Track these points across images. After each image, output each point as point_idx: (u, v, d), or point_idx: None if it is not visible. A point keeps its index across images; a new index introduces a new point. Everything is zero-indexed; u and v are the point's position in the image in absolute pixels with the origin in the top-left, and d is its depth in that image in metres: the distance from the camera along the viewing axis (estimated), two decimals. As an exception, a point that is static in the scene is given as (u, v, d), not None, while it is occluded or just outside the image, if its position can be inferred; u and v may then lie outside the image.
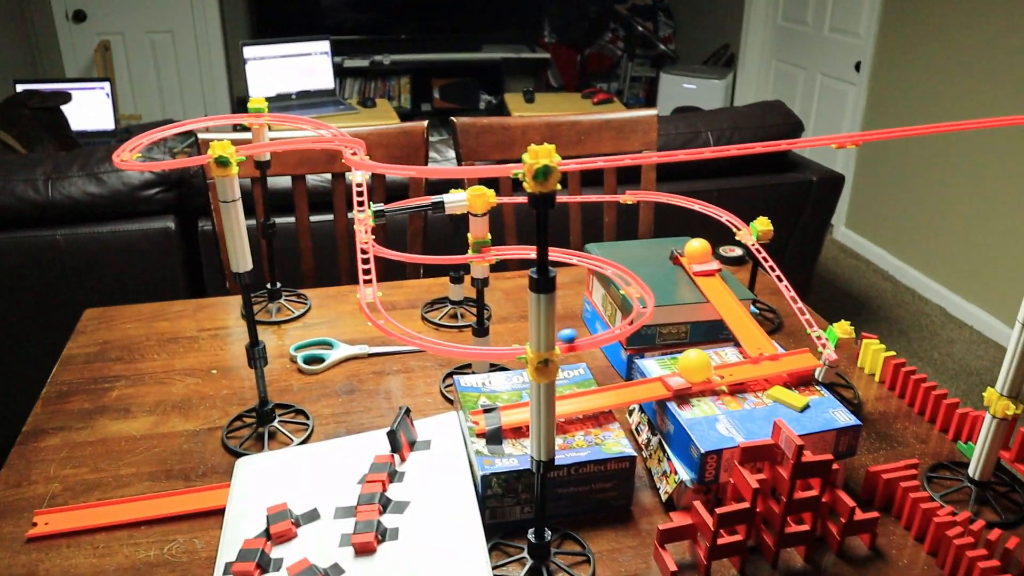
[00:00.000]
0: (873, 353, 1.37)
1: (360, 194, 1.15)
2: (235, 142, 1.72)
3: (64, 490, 1.09)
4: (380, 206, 1.14)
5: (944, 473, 1.15)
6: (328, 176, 2.15)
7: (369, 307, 0.96)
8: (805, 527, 0.97)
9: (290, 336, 1.46)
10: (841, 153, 4.13)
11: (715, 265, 1.35)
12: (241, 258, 1.07)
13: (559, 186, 0.75)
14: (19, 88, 3.85)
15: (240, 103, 5.01)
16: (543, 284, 0.78)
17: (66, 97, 3.36)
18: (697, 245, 1.36)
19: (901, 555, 1.01)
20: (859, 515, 0.99)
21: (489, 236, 1.19)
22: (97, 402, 1.28)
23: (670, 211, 2.33)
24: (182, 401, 1.28)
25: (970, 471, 1.11)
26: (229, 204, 1.04)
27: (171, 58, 4.88)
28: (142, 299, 2.16)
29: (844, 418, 1.05)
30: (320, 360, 1.36)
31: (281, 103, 3.90)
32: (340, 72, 5.01)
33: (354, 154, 1.06)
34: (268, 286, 1.54)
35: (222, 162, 1.01)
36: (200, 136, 1.70)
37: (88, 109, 3.88)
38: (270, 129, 1.47)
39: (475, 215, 1.17)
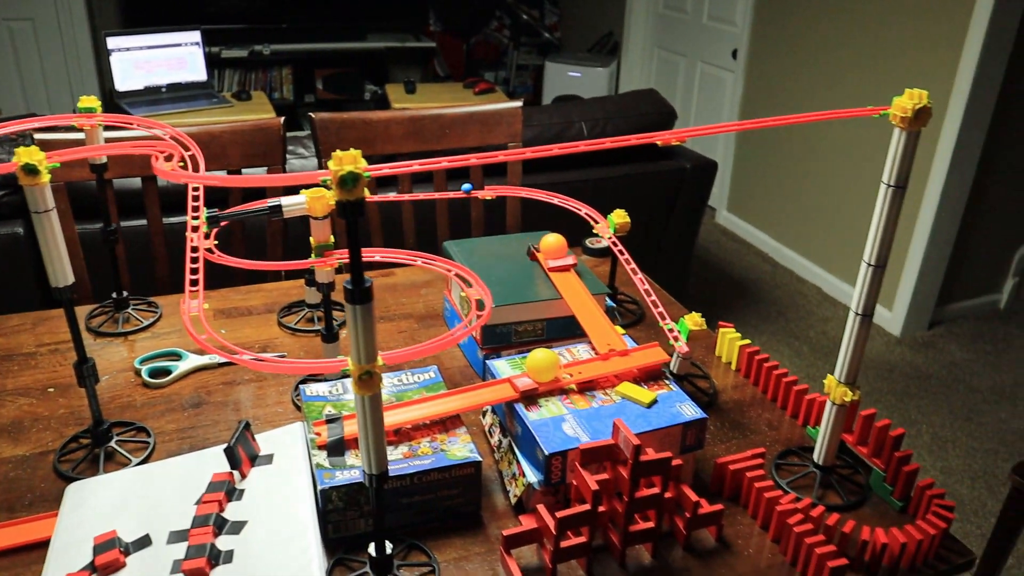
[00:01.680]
0: (729, 342, 1.39)
1: (196, 199, 1.10)
2: (70, 142, 1.63)
3: None
4: (215, 211, 1.09)
5: (793, 459, 1.18)
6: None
7: (193, 320, 0.92)
8: (650, 524, 0.97)
9: (139, 347, 1.39)
10: (721, 139, 4.22)
11: (570, 260, 1.34)
12: (60, 272, 1.00)
13: (366, 191, 0.72)
14: None
15: (109, 97, 4.79)
16: (358, 295, 0.75)
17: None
18: (552, 240, 1.35)
19: (748, 544, 1.02)
20: (704, 508, 1.00)
21: (332, 239, 1.15)
22: (-82, 429, 1.19)
23: (538, 204, 2.33)
24: (12, 424, 1.20)
25: (815, 456, 1.14)
26: (41, 215, 0.97)
27: (32, 48, 4.62)
28: (-9, 310, 2.03)
29: (691, 412, 1.06)
30: (167, 372, 1.30)
31: (150, 96, 3.74)
32: (218, 63, 4.84)
33: (169, 158, 1.00)
34: (114, 295, 1.46)
35: (30, 170, 0.94)
36: (37, 136, 1.60)
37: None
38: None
39: (315, 218, 1.13)
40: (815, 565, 0.96)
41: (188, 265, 0.99)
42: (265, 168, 1.72)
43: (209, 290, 1.59)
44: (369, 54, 5.11)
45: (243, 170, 1.78)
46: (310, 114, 1.76)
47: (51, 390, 1.28)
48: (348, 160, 0.70)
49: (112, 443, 1.14)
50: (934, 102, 2.96)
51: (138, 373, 1.31)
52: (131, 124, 1.29)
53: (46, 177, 0.95)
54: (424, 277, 1.64)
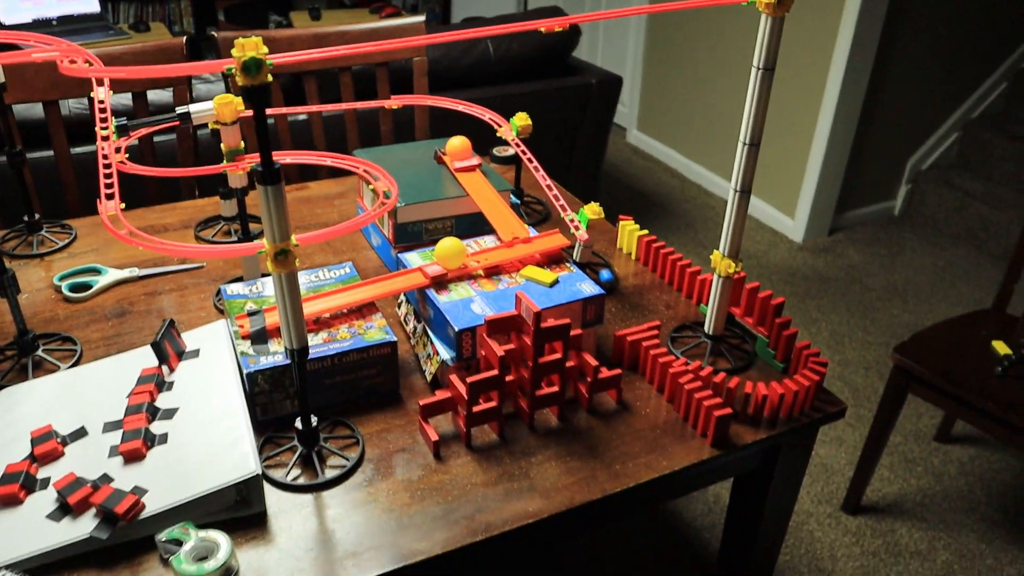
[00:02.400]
0: (629, 233, 1.48)
1: (103, 110, 1.12)
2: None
3: None
4: (123, 120, 1.11)
5: (687, 332, 1.28)
6: (84, 103, 2.04)
7: (112, 219, 0.96)
8: (555, 389, 1.06)
9: (56, 267, 1.41)
10: (629, 57, 4.29)
11: (475, 161, 1.41)
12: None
13: (271, 78, 0.77)
14: None
15: None
16: (268, 176, 0.80)
17: None
18: (458, 142, 1.41)
19: (645, 405, 1.13)
20: (604, 373, 1.09)
21: (243, 144, 1.19)
22: None
23: (447, 117, 2.37)
24: (-65, 341, 1.22)
25: (705, 327, 1.24)
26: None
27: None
28: None
29: (590, 289, 1.15)
30: (87, 287, 1.33)
31: (40, 31, 3.61)
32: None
33: (73, 62, 1.02)
34: (26, 218, 1.47)
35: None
36: (-68, 63, 1.58)
37: None
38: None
39: (224, 124, 1.16)
40: (703, 417, 1.07)
41: (101, 170, 1.02)
42: (172, 90, 1.72)
43: (125, 211, 1.60)
44: (272, -17, 4.98)
45: (147, 93, 1.78)
46: (212, 32, 1.76)
47: (-29, 309, 1.30)
48: (250, 47, 0.75)
49: (39, 352, 1.17)
50: (828, 16, 3.08)
51: (58, 290, 1.34)
52: (28, 41, 1.29)
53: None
54: (337, 189, 1.69)
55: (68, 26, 3.65)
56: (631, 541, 1.96)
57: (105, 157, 1.05)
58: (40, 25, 3.60)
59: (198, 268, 1.39)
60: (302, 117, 2.18)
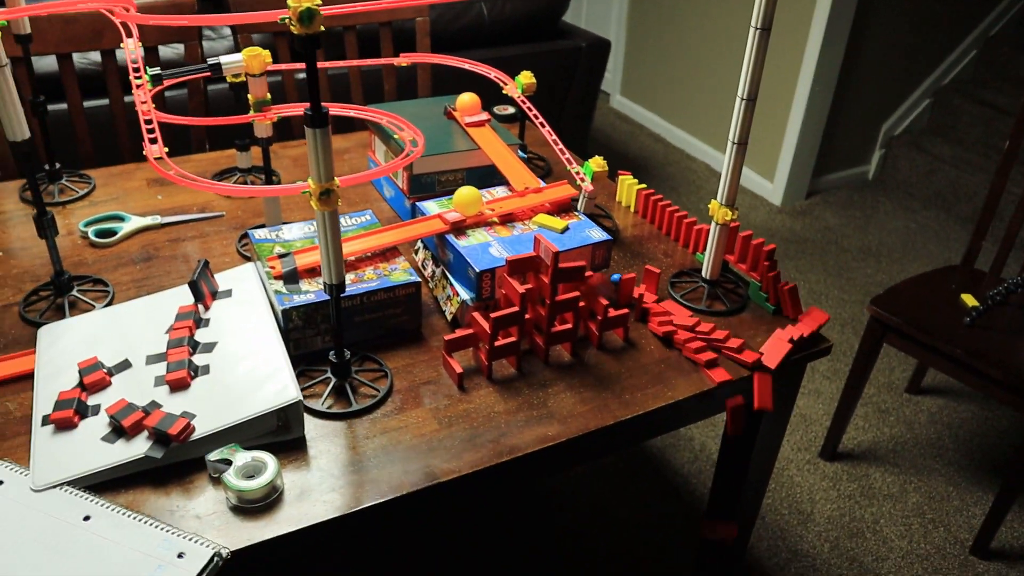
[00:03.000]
0: (628, 187, 1.55)
1: (135, 61, 1.17)
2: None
3: None
4: (157, 70, 1.16)
5: (685, 278, 1.36)
6: (96, 57, 2.07)
7: (158, 163, 1.01)
8: (568, 326, 1.14)
9: (77, 215, 1.46)
10: (613, 22, 4.34)
11: (484, 116, 1.47)
12: (17, 126, 1.08)
13: (323, 28, 0.83)
14: None
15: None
16: (317, 119, 0.86)
17: None
18: (467, 98, 1.47)
19: (649, 343, 1.21)
20: (612, 313, 1.17)
21: (269, 96, 1.24)
22: None
23: (447, 75, 2.42)
24: (-31, 283, 1.27)
25: (703, 272, 1.33)
26: (-3, 71, 1.04)
27: None
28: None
29: (598, 235, 1.23)
30: (112, 233, 1.38)
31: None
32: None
33: (127, 10, 1.08)
34: (47, 167, 1.52)
35: (-17, 28, 1.00)
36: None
37: None
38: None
39: (252, 75, 1.22)
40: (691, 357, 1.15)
41: (142, 116, 1.07)
42: (183, 44, 1.76)
43: (140, 162, 1.65)
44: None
45: (159, 48, 1.82)
46: (222, -10, 1.80)
47: (0, 254, 1.35)
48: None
49: (74, 292, 1.23)
50: (809, -19, 3.16)
51: (84, 236, 1.39)
52: (56, -6, 1.34)
53: (-1, 35, 1.02)
54: (345, 144, 1.74)
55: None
56: (624, 484, 2.06)
57: (143, 103, 1.10)
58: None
59: (218, 216, 1.45)
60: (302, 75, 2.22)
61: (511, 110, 1.83)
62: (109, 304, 1.23)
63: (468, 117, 1.45)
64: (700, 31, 3.74)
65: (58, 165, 1.53)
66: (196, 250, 1.36)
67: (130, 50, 1.17)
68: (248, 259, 1.33)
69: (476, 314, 1.09)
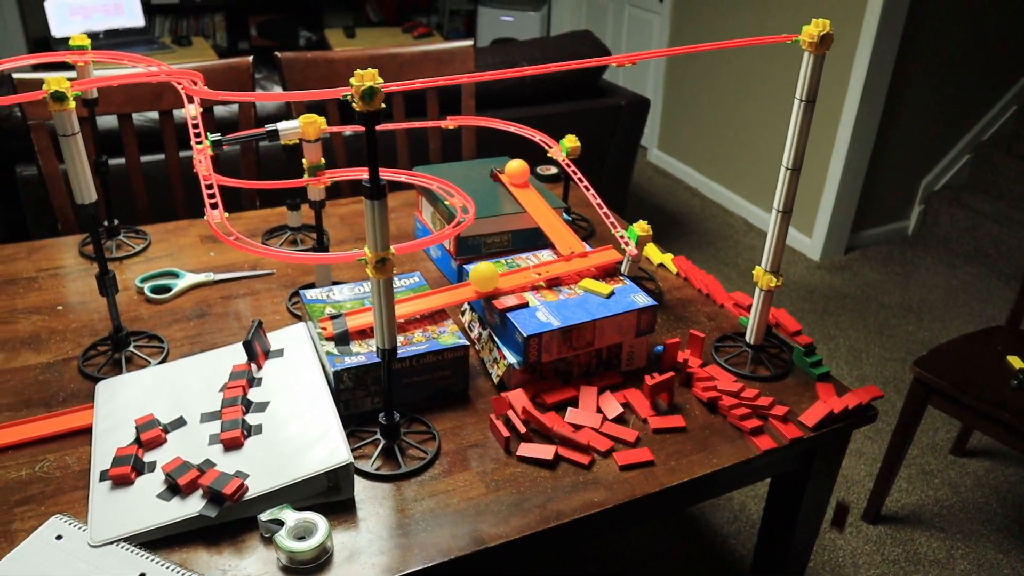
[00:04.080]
0: (662, 253, 1.57)
1: (196, 126, 1.21)
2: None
3: (-79, 427, 1.12)
4: (217, 136, 1.21)
5: (728, 342, 1.37)
6: (154, 115, 2.14)
7: (218, 226, 1.05)
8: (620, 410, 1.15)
9: (133, 271, 1.51)
10: (650, 79, 4.39)
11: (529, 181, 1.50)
12: (85, 190, 1.12)
13: (384, 105, 0.86)
14: None
15: (37, 44, 4.71)
16: (376, 192, 0.89)
17: None
18: (516, 166, 1.50)
19: (694, 407, 1.21)
20: (657, 377, 1.18)
21: (323, 160, 1.28)
22: (-60, 345, 1.29)
23: (490, 136, 2.47)
24: (30, 337, 1.31)
25: (747, 337, 1.33)
26: (68, 138, 1.09)
27: (-45, -3, 4.52)
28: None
29: (643, 300, 1.24)
30: (167, 289, 1.42)
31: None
32: (149, 9, 4.79)
33: (194, 83, 1.12)
34: (105, 223, 1.57)
35: (58, 97, 1.05)
36: (16, 76, 1.68)
37: None
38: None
39: (308, 141, 1.26)
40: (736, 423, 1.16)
41: (203, 181, 1.11)
42: (237, 104, 1.82)
43: (191, 219, 1.70)
44: (301, -1, 5.12)
45: (214, 107, 1.88)
46: (276, 53, 1.86)
47: (60, 308, 1.39)
48: (368, 77, 0.84)
49: (130, 348, 1.27)
50: (846, 43, 3.18)
51: (140, 291, 1.43)
52: (122, 61, 1.40)
53: (71, 103, 1.07)
54: (391, 203, 1.78)
55: (115, 39, 3.77)
56: (665, 544, 2.04)
57: (204, 169, 1.14)
58: (88, 38, 3.71)
59: (268, 274, 1.48)
60: (348, 133, 2.28)
61: (554, 170, 1.86)
62: (164, 360, 1.26)
63: (516, 183, 1.47)
64: (737, 87, 3.78)
65: (116, 221, 1.58)
66: (248, 307, 1.40)
67: (191, 116, 1.22)
68: (298, 318, 1.36)
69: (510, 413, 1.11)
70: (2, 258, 1.54)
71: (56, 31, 3.68)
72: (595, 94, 2.83)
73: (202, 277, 1.46)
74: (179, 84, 1.23)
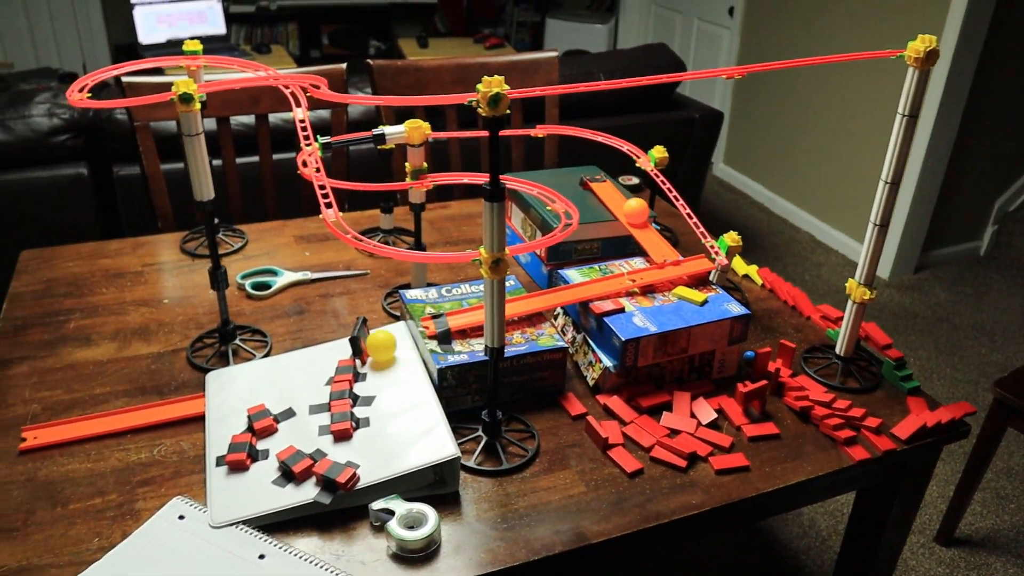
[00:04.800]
0: (747, 265, 1.58)
1: (304, 129, 1.26)
2: (156, 86, 1.78)
3: (44, 410, 1.18)
4: (327, 139, 1.25)
5: (817, 354, 1.38)
6: (244, 119, 2.21)
7: (335, 224, 1.09)
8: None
9: (233, 268, 1.56)
10: (718, 94, 4.39)
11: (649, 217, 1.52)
12: (204, 187, 1.17)
13: (508, 110, 0.90)
14: None
15: (119, 51, 4.87)
16: (496, 194, 0.93)
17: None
18: (636, 204, 1.46)
19: (786, 416, 1.22)
20: (750, 385, 1.19)
21: (425, 164, 1.32)
22: (56, 333, 1.36)
23: (571, 145, 2.50)
24: (140, 328, 1.37)
25: (837, 349, 1.34)
26: (192, 137, 1.14)
27: (43, 3, 4.70)
28: (57, 244, 2.19)
29: (737, 309, 1.25)
30: (267, 286, 1.48)
31: (173, 50, 3.85)
32: (227, 18, 4.93)
33: (315, 87, 1.17)
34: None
35: (186, 99, 1.10)
36: (124, 80, 1.75)
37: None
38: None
39: (412, 145, 1.30)
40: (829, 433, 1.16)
41: (316, 183, 1.16)
42: (330, 110, 1.88)
43: (284, 219, 1.76)
44: (373, 10, 5.21)
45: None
46: (368, 61, 1.92)
47: (166, 301, 1.45)
48: (496, 84, 0.88)
49: (236, 341, 1.32)
50: (924, 57, 3.15)
51: (241, 288, 1.48)
52: (231, 65, 1.45)
53: (198, 105, 1.12)
54: (476, 208, 1.82)
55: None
56: (735, 557, 2.04)
57: (318, 171, 1.19)
58: (173, 45, 3.85)
59: (363, 275, 1.53)
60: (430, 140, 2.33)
61: (636, 180, 1.88)
62: (267, 354, 1.31)
63: (634, 223, 1.45)
64: (808, 102, 3.76)
65: (216, 220, 1.63)
66: (344, 306, 1.44)
67: (299, 119, 1.27)
68: (394, 317, 1.40)
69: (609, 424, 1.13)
70: (109, 253, 1.61)
71: (144, 38, 3.81)
72: (669, 106, 2.85)
73: (299, 275, 1.51)
74: (287, 88, 1.28)
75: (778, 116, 3.97)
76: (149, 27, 3.79)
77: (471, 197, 2.00)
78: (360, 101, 1.02)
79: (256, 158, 2.09)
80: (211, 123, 2.08)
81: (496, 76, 0.88)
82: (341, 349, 1.24)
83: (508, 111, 0.89)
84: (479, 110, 0.89)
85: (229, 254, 1.61)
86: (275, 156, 2.05)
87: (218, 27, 3.97)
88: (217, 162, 2.12)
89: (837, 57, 1.15)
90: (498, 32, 5.65)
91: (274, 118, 2.19)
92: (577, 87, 1.07)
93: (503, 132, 1.66)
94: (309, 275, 1.51)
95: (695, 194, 2.98)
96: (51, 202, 2.19)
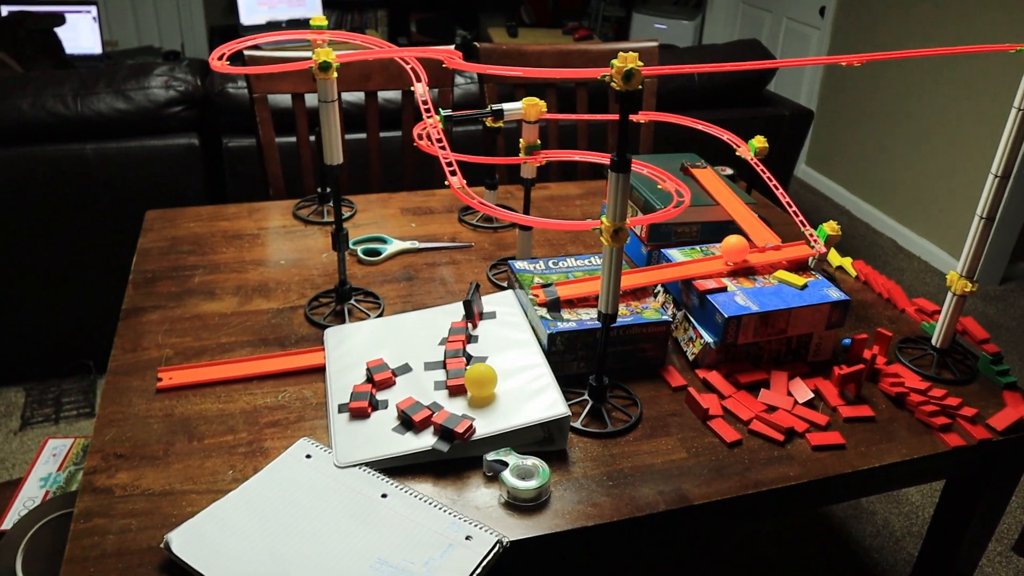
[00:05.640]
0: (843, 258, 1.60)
1: (425, 103, 1.33)
2: (274, 59, 1.87)
3: (176, 354, 1.27)
4: (448, 112, 1.32)
5: (911, 345, 1.39)
6: (351, 98, 2.30)
7: (461, 192, 1.15)
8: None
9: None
10: (804, 90, 4.36)
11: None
12: (336, 152, 1.25)
13: (640, 85, 0.94)
14: (4, 10, 3.86)
15: (215, 32, 5.04)
16: (622, 165, 0.98)
17: (60, 19, 3.41)
18: (735, 241, 1.39)
19: (880, 403, 1.25)
20: (846, 369, 1.22)
21: (539, 141, 1.38)
22: (183, 286, 1.45)
23: (667, 133, 2.53)
24: (260, 285, 1.46)
25: (933, 340, 1.35)
26: (328, 104, 1.21)
27: (147, -16, 4.89)
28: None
29: (836, 295, 1.28)
30: (377, 253, 1.55)
31: (272, 31, 3.99)
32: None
33: (451, 60, 1.23)
34: (319, 189, 1.71)
35: (325, 67, 1.18)
36: (247, 53, 1.84)
37: (74, 32, 3.91)
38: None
39: (528, 122, 1.35)
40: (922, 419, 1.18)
41: (440, 154, 1.22)
42: (437, 90, 1.95)
43: (390, 192, 1.83)
44: None
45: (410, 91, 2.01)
46: (475, 43, 1.98)
47: (282, 262, 1.53)
48: (631, 60, 0.92)
49: (351, 301, 1.39)
50: (1021, 58, 3.10)
51: (352, 253, 1.56)
52: (353, 40, 1.53)
53: (335, 73, 1.19)
54: (576, 191, 1.87)
55: (297, 29, 4.03)
56: (806, 551, 2.06)
57: (439, 142, 1.25)
58: (272, 27, 3.98)
59: (467, 247, 1.59)
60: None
61: (730, 171, 1.91)
62: (380, 315, 1.38)
63: (733, 260, 1.43)
64: (898, 104, 3.72)
65: (328, 189, 1.72)
66: (451, 274, 1.50)
67: (420, 93, 1.33)
68: (498, 287, 1.46)
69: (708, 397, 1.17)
70: (227, 216, 1.70)
71: (245, 20, 3.95)
72: (759, 102, 2.86)
73: (407, 244, 1.58)
74: (407, 63, 1.35)
75: (865, 117, 3.93)
76: (251, 9, 3.93)
77: (568, 179, 2.05)
78: (502, 72, 1.08)
79: (363, 135, 2.17)
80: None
81: (631, 53, 0.93)
82: (452, 313, 1.31)
83: (641, 86, 0.94)
84: (612, 84, 0.94)
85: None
86: (382, 134, 2.13)
87: (315, 10, 4.09)
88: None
89: (958, 49, 1.17)
90: (582, 25, 5.69)
91: (383, 96, 2.27)
92: (700, 67, 1.11)
93: (606, 116, 1.71)
94: (416, 244, 1.58)
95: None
96: (165, 169, 2.30)
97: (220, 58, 1.35)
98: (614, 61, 0.93)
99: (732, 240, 1.31)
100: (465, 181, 1.12)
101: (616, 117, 1.60)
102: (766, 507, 1.09)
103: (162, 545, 0.92)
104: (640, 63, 0.93)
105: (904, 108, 3.69)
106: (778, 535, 2.10)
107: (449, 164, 1.20)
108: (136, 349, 1.28)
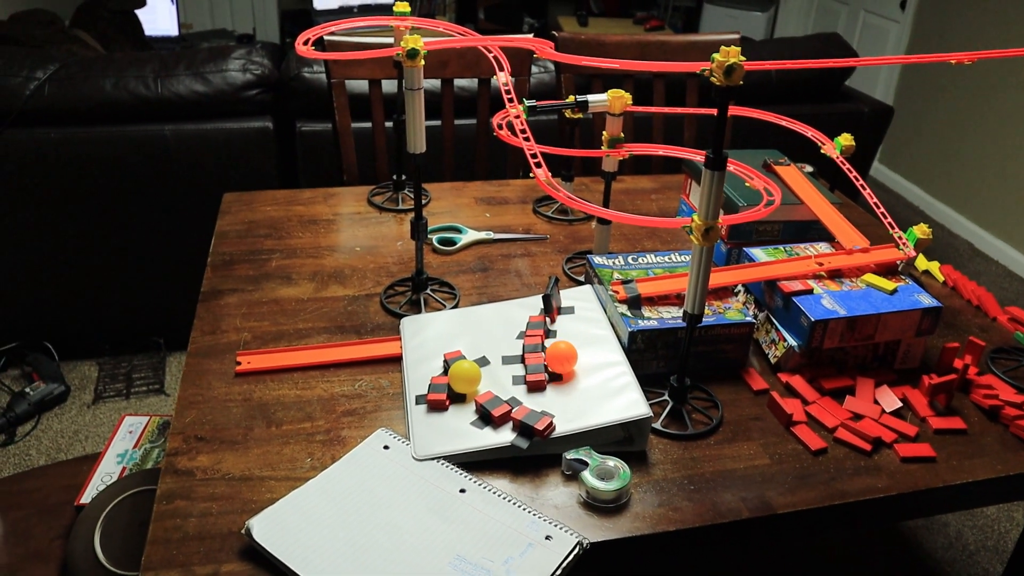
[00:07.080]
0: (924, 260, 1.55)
1: (508, 92, 1.31)
2: (351, 45, 1.87)
3: (254, 338, 1.28)
4: (532, 102, 1.30)
5: (1004, 355, 1.34)
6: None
7: (546, 182, 1.13)
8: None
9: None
10: (880, 86, 4.24)
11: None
12: (419, 140, 1.24)
13: (740, 81, 0.91)
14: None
15: (286, 16, 5.08)
16: (717, 163, 0.95)
17: (141, 2, 3.47)
18: (564, 347, 1.16)
19: (971, 415, 1.20)
20: (937, 379, 1.18)
21: (623, 134, 1.35)
22: (260, 270, 1.46)
23: (746, 128, 2.48)
24: (336, 271, 1.46)
25: (1029, 353, 1.30)
26: (414, 92, 1.20)
27: (221, -31, 4.95)
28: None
29: (928, 301, 1.24)
30: (452, 243, 1.54)
31: (345, 16, 4.01)
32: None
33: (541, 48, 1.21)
34: (394, 177, 1.71)
35: (412, 54, 1.17)
36: (327, 39, 1.85)
37: (152, 14, 3.98)
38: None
39: (612, 115, 1.33)
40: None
41: (524, 145, 1.20)
42: (514, 78, 1.94)
43: (464, 180, 1.82)
44: (529, -13, 5.27)
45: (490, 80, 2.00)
46: (554, 33, 1.96)
47: (358, 249, 1.53)
48: (733, 54, 0.90)
49: (427, 291, 1.38)
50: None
51: (427, 242, 1.55)
52: (437, 27, 1.52)
53: (422, 61, 1.18)
54: (650, 185, 1.84)
55: (367, 14, 4.05)
56: (877, 560, 2.01)
57: (523, 132, 1.23)
58: (344, 11, 4.01)
59: (542, 239, 1.57)
60: (590, 115, 2.35)
61: (810, 169, 1.86)
62: (456, 306, 1.37)
63: (557, 369, 1.26)
64: (980, 102, 3.59)
65: (403, 176, 1.71)
66: (526, 266, 1.49)
67: (503, 82, 1.32)
68: (575, 281, 1.44)
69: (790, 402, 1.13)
70: (302, 200, 1.71)
71: (318, 4, 3.97)
72: (837, 98, 2.78)
73: (482, 235, 1.57)
74: (489, 51, 1.34)
75: (942, 115, 3.81)
76: (323, -7, 3.95)
77: (641, 172, 2.02)
78: (594, 63, 1.06)
79: (437, 122, 2.17)
80: (391, 85, 2.16)
81: (734, 47, 0.90)
82: (529, 306, 1.29)
83: (741, 82, 0.91)
84: (712, 79, 0.91)
85: (413, 210, 1.68)
86: (457, 122, 2.12)
87: (386, -4, 4.12)
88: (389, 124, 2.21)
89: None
90: (653, 15, 5.61)
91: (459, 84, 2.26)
92: (798, 63, 1.08)
93: (682, 110, 1.67)
94: (491, 235, 1.57)
95: (855, 191, 2.91)
96: (239, 152, 2.33)
97: (306, 43, 1.36)
98: (715, 55, 0.90)
99: (561, 346, 1.14)
100: (516, 178, 1.10)
101: (714, 112, 1.57)
102: (852, 519, 1.05)
103: (243, 531, 0.93)
104: (743, 58, 0.90)
105: (983, 105, 3.57)
106: (847, 544, 2.05)
107: (534, 156, 1.19)
108: (215, 332, 1.29)
